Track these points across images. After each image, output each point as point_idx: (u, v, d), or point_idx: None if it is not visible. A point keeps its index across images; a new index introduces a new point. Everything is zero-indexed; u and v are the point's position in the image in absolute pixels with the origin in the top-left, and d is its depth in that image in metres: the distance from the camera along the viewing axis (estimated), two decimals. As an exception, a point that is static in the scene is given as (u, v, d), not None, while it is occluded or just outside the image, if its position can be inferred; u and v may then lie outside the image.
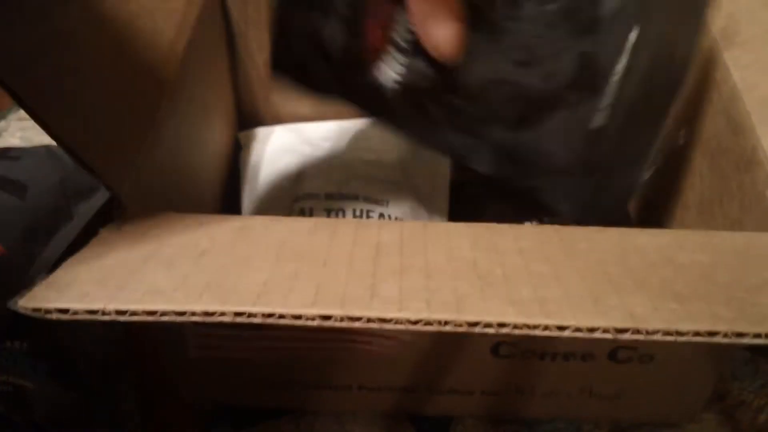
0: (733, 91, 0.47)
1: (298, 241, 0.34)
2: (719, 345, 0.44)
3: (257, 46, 0.64)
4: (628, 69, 0.46)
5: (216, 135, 0.61)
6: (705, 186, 0.51)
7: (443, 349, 0.46)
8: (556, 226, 0.41)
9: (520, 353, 0.45)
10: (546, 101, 0.46)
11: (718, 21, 0.52)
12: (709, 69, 0.51)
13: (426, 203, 0.62)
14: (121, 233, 0.35)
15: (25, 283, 0.52)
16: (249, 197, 0.63)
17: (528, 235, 0.36)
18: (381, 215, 0.57)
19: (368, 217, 0.57)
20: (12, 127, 0.78)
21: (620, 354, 0.45)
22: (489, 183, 0.50)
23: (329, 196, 0.58)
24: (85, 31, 0.40)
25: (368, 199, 0.58)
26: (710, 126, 0.51)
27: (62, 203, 0.58)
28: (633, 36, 0.46)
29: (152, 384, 0.55)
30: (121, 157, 0.40)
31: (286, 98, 0.68)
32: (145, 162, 0.42)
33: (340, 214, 0.57)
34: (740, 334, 0.27)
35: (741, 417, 0.53)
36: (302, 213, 0.58)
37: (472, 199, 0.60)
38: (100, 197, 0.61)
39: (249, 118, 0.70)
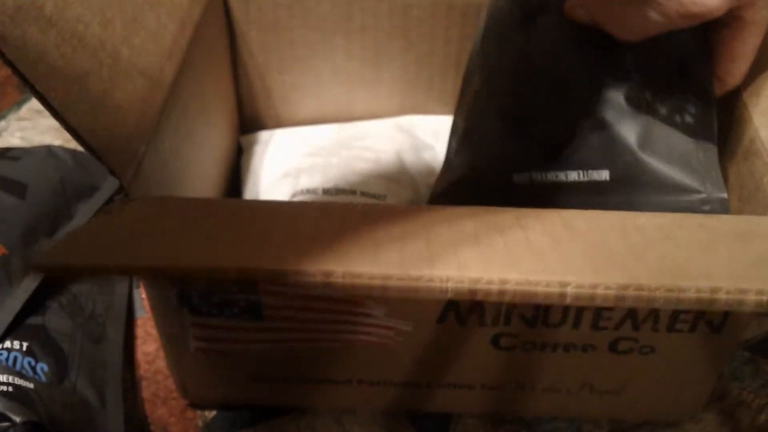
0: (730, 84, 0.48)
1: (298, 210, 0.34)
2: (720, 337, 0.44)
3: (259, 46, 0.65)
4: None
5: (217, 135, 0.61)
6: (704, 180, 0.51)
7: (444, 341, 0.46)
8: (558, 210, 0.41)
9: (521, 345, 0.45)
10: None
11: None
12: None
13: (423, 201, 0.62)
14: (124, 210, 0.35)
15: (26, 283, 0.52)
16: (250, 196, 0.64)
17: (529, 215, 0.36)
18: None
19: None
20: (12, 127, 0.78)
21: (621, 345, 0.45)
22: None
23: (326, 192, 0.59)
24: (92, 21, 0.41)
25: (365, 194, 0.58)
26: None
27: (62, 203, 0.58)
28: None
29: (152, 385, 0.55)
30: (125, 147, 0.40)
31: (287, 100, 0.69)
32: (147, 154, 0.42)
33: (337, 208, 0.58)
34: (743, 291, 0.27)
35: (741, 417, 0.53)
36: None
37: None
38: (100, 197, 0.61)
39: (250, 119, 0.71)
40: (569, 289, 0.28)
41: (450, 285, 0.28)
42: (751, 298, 0.27)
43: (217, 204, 0.37)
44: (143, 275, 0.28)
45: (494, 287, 0.28)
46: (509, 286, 0.28)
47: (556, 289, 0.28)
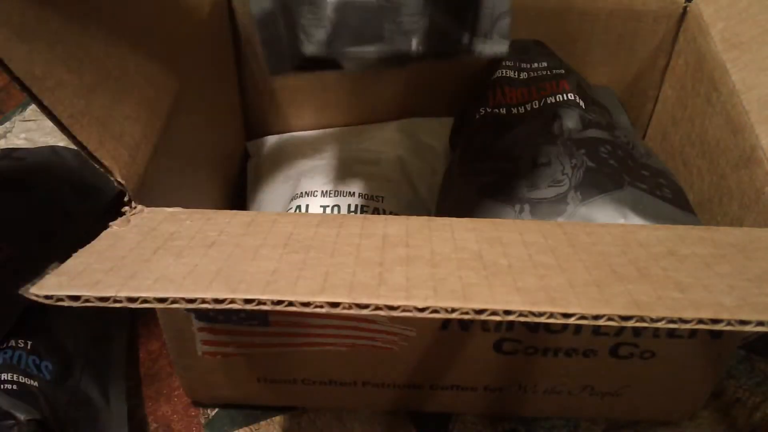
0: (732, 91, 0.48)
1: (305, 233, 0.34)
2: (720, 342, 0.45)
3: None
4: None
5: (223, 139, 0.61)
6: (704, 186, 0.52)
7: (447, 345, 0.46)
8: (560, 221, 0.41)
9: (523, 349, 0.46)
10: None
11: (717, 24, 0.52)
12: (708, 69, 0.52)
13: (422, 200, 0.62)
14: (130, 227, 0.35)
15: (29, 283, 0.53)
16: (252, 200, 0.64)
17: (532, 228, 0.36)
18: (376, 210, 0.58)
19: (363, 212, 0.57)
20: (17, 128, 0.78)
21: (621, 350, 0.46)
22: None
23: (325, 194, 0.59)
24: (98, 32, 0.41)
25: (364, 196, 0.58)
26: (710, 127, 0.51)
27: (66, 203, 0.59)
28: None
29: (156, 382, 0.55)
30: (132, 157, 0.40)
31: (292, 102, 0.69)
32: (153, 161, 0.42)
33: (335, 209, 0.58)
34: (744, 322, 0.28)
35: (736, 415, 0.53)
36: (298, 210, 0.58)
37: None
38: (104, 197, 0.61)
39: (255, 122, 0.71)
40: (572, 321, 0.28)
41: (455, 315, 0.28)
42: (750, 329, 0.28)
43: (224, 220, 0.36)
44: (152, 305, 0.28)
45: (498, 318, 0.28)
46: (513, 317, 0.28)
47: (560, 321, 0.28)
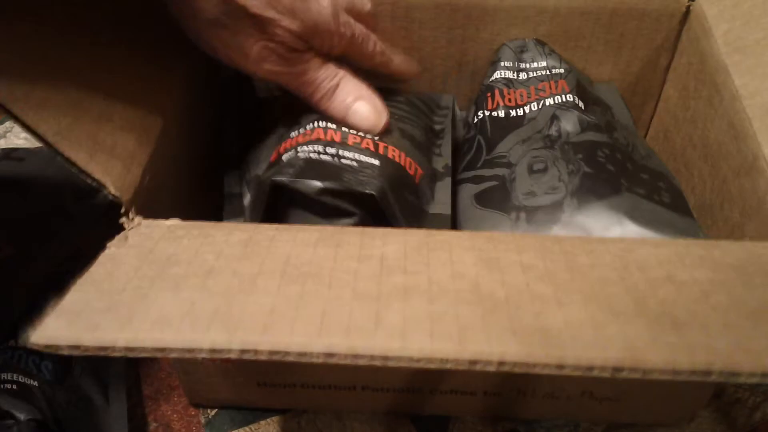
0: (734, 96, 0.47)
1: (302, 255, 0.34)
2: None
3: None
4: None
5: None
6: (706, 190, 0.51)
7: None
8: (560, 236, 0.41)
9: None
10: None
11: (721, 26, 0.52)
12: (710, 72, 0.51)
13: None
14: (128, 248, 0.35)
15: (29, 283, 0.53)
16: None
17: (530, 246, 0.36)
18: None
19: None
20: (17, 128, 0.77)
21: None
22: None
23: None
24: (85, 43, 0.40)
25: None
26: (711, 131, 0.51)
27: (66, 204, 0.58)
28: None
29: (155, 382, 0.55)
30: (125, 168, 0.40)
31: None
32: (148, 171, 0.42)
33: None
34: (735, 374, 0.28)
35: (736, 415, 0.54)
36: None
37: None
38: (103, 198, 0.61)
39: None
40: (566, 370, 0.28)
41: (449, 366, 0.28)
42: (742, 380, 0.28)
43: (222, 237, 0.36)
44: (150, 354, 0.29)
45: (492, 368, 0.28)
46: (506, 368, 0.28)
47: (553, 372, 0.28)
